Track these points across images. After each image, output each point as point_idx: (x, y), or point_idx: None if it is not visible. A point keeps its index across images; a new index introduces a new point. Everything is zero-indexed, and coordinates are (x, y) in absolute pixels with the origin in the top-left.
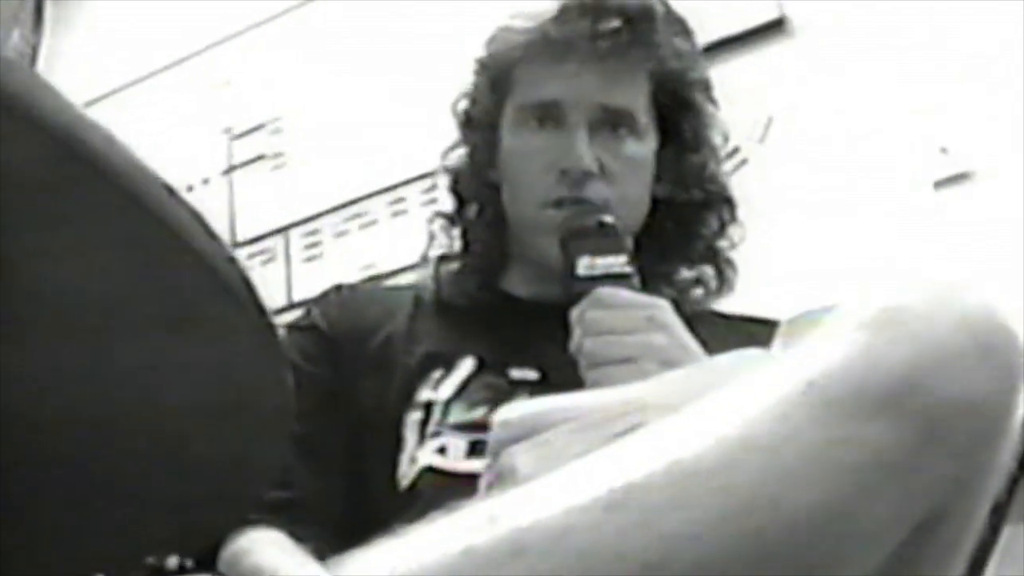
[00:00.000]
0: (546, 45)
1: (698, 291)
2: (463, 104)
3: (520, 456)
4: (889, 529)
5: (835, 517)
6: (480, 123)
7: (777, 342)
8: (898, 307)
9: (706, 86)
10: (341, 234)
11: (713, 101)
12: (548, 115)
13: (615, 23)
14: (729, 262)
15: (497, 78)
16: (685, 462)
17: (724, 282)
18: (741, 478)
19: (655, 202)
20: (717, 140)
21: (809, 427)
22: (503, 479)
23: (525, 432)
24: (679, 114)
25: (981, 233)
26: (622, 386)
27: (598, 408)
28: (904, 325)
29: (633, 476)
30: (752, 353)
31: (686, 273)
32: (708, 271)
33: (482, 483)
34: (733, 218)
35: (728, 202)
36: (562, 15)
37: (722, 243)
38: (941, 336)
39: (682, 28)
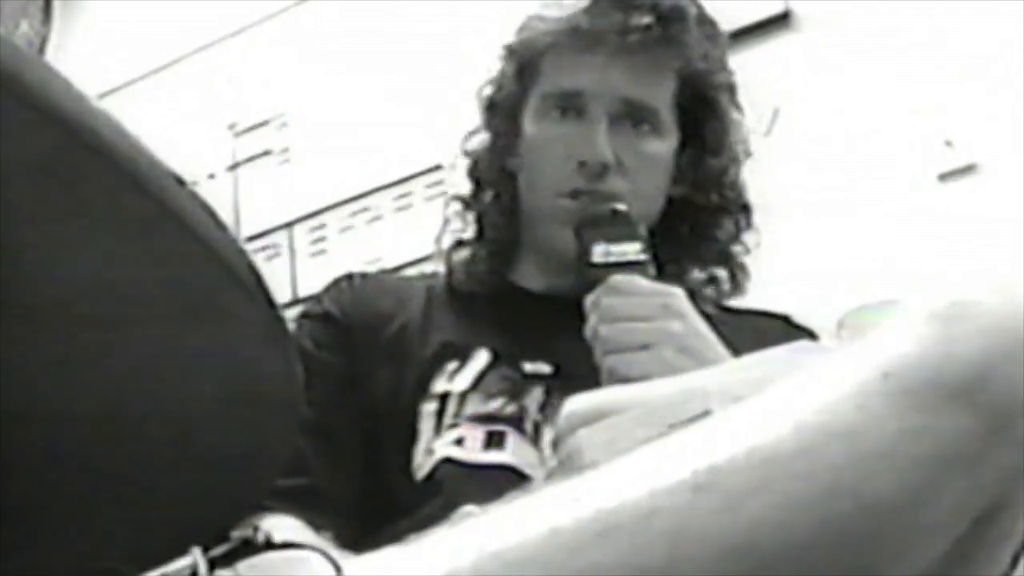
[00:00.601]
0: (576, 35)
1: (709, 291)
2: (488, 90)
3: (585, 440)
4: (954, 521)
5: (908, 508)
6: (503, 110)
7: (838, 334)
8: (968, 302)
9: (731, 91)
10: (346, 229)
11: (738, 107)
12: (571, 105)
13: (647, 19)
14: (742, 267)
15: (524, 65)
16: (766, 447)
17: (736, 286)
18: (821, 465)
19: (671, 202)
20: (739, 147)
21: (886, 416)
22: (568, 462)
23: (591, 422)
24: (702, 116)
25: (985, 225)
26: (683, 375)
27: (661, 395)
28: (975, 319)
29: (715, 460)
30: (807, 345)
31: (698, 274)
32: (720, 272)
33: (546, 471)
34: (749, 224)
35: (745, 208)
36: (594, 7)
37: (736, 248)
38: (1010, 329)
39: (713, 31)
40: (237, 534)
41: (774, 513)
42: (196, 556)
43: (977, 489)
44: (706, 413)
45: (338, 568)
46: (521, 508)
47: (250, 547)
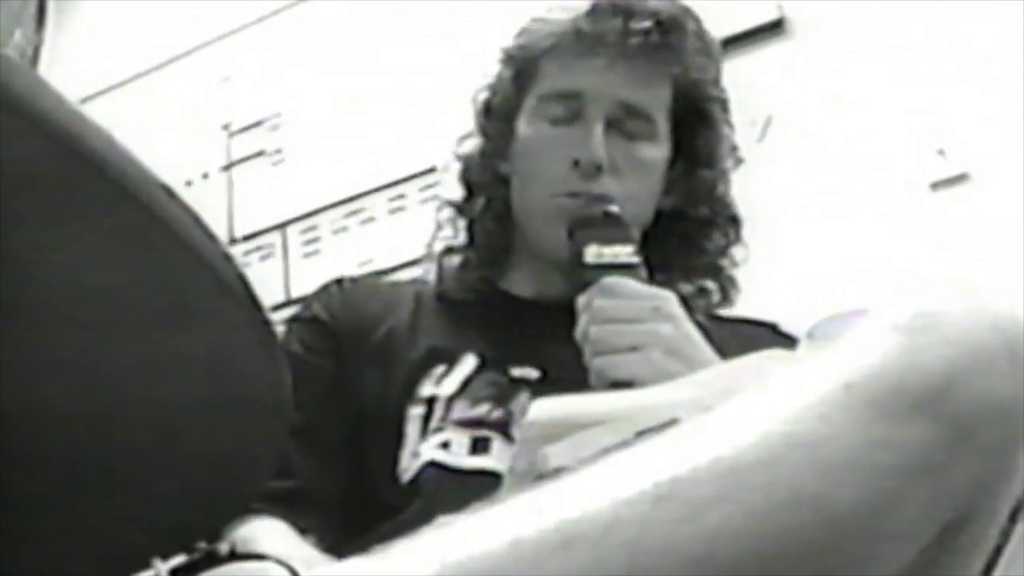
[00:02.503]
0: (577, 37)
1: (698, 301)
2: (483, 95)
3: (554, 459)
4: (919, 530)
5: (871, 517)
6: (498, 113)
7: (804, 344)
8: (932, 312)
9: (724, 106)
10: (339, 230)
11: (730, 124)
12: (569, 106)
13: (647, 23)
14: (731, 280)
15: (523, 68)
16: (728, 458)
17: (726, 297)
18: (784, 475)
19: (661, 214)
20: (728, 163)
21: (849, 427)
22: (534, 469)
23: (554, 434)
24: (695, 127)
25: (977, 234)
26: (652, 387)
27: (631, 412)
28: (939, 329)
29: (677, 470)
30: (778, 353)
31: (687, 287)
32: (709, 284)
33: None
34: (738, 238)
35: (734, 221)
36: (595, 11)
37: (724, 261)
38: (975, 341)
39: (710, 47)
40: (201, 545)
41: (734, 523)
42: (158, 567)
43: (943, 499)
44: (673, 422)
45: None
46: (485, 518)
47: (212, 557)
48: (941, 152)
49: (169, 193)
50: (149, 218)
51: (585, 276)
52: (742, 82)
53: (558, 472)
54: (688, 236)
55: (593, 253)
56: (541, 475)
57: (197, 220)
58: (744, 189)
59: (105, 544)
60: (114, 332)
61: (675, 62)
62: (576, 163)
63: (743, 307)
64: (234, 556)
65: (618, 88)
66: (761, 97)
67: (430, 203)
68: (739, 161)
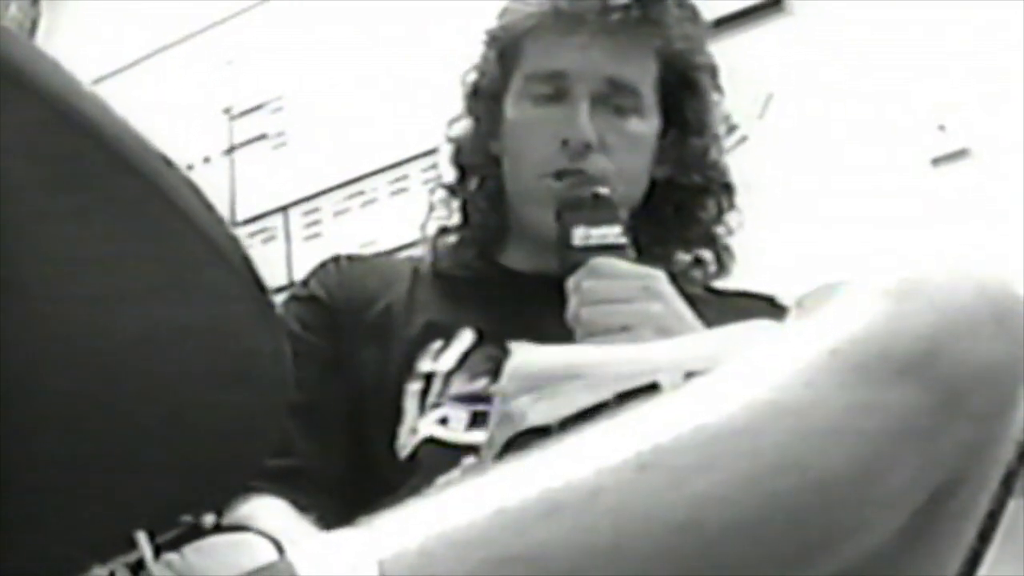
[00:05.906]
0: (557, 17)
1: (695, 272)
2: (471, 76)
3: (529, 404)
4: (908, 495)
5: (858, 482)
6: (486, 95)
7: (793, 314)
8: (918, 278)
9: (712, 72)
10: (341, 212)
11: (718, 88)
12: (554, 86)
13: None
14: (727, 248)
15: (506, 49)
16: (713, 425)
17: (721, 267)
18: (768, 442)
19: (654, 184)
20: (720, 128)
21: (834, 392)
22: (510, 423)
23: (535, 383)
24: (684, 97)
25: (978, 209)
26: (634, 344)
27: (610, 361)
28: (925, 294)
29: (662, 438)
30: (763, 323)
31: (683, 256)
32: (705, 254)
33: (490, 424)
34: (731, 205)
35: (727, 188)
36: None
37: (719, 229)
38: (961, 305)
39: (692, 14)
40: (185, 518)
41: (719, 490)
42: (141, 542)
43: (931, 463)
44: (653, 384)
45: (281, 550)
46: (469, 488)
47: (198, 530)
48: (942, 127)
49: (167, 163)
50: (147, 189)
51: (574, 258)
52: (743, 59)
53: (536, 431)
54: (682, 205)
55: (580, 235)
56: (517, 431)
57: (195, 191)
58: (745, 165)
59: (103, 520)
60: (112, 304)
61: (658, 34)
62: (565, 142)
63: (744, 282)
64: (219, 529)
65: (602, 65)
66: (761, 74)
67: (432, 184)
68: (742, 139)
